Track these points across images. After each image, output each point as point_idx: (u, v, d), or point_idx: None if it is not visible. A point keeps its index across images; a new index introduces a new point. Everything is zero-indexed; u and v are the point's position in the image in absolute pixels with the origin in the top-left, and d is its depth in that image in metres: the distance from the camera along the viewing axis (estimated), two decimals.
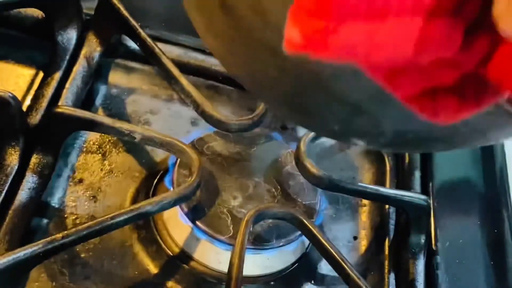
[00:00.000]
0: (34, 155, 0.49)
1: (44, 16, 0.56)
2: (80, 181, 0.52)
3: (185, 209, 0.48)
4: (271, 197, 0.51)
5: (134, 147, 0.55)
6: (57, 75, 0.54)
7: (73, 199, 0.51)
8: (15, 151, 0.48)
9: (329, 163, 0.60)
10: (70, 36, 0.57)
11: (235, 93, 0.62)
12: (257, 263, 0.50)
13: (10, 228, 0.45)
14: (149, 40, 0.55)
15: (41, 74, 0.56)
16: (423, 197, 0.52)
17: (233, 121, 0.52)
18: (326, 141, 0.61)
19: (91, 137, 0.55)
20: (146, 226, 0.51)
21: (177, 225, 0.50)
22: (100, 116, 0.51)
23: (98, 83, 0.58)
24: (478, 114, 0.26)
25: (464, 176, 0.61)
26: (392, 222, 0.57)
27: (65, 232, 0.42)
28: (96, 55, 0.57)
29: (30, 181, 0.48)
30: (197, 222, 0.48)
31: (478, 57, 0.25)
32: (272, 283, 0.51)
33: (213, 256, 0.49)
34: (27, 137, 0.49)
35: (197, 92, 0.52)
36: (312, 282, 0.52)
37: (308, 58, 0.23)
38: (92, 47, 0.57)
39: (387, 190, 0.55)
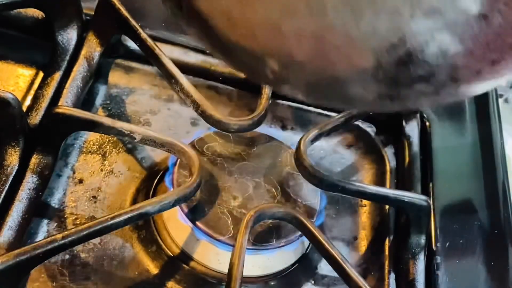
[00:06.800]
0: (34, 155, 0.49)
1: (44, 16, 0.56)
2: (80, 181, 0.52)
3: (185, 209, 0.48)
4: (271, 197, 0.51)
5: (134, 147, 0.55)
6: (57, 75, 0.54)
7: (73, 199, 0.51)
8: (15, 151, 0.48)
9: (329, 163, 0.60)
10: (70, 36, 0.57)
11: (235, 93, 0.62)
12: (257, 264, 0.50)
13: (10, 228, 0.45)
14: (149, 40, 0.55)
15: (41, 74, 0.56)
16: (423, 197, 0.52)
17: (233, 121, 0.52)
18: (326, 141, 0.61)
19: (91, 137, 0.55)
20: (146, 226, 0.51)
21: (177, 225, 0.50)
22: (100, 116, 0.51)
23: (98, 83, 0.58)
24: None
25: (464, 176, 0.61)
26: (392, 222, 0.57)
27: (65, 232, 0.42)
28: (96, 55, 0.57)
29: (30, 181, 0.48)
30: (197, 223, 0.48)
31: None
32: (272, 283, 0.51)
33: (213, 256, 0.49)
34: (27, 137, 0.49)
35: (197, 92, 0.52)
36: (312, 282, 0.52)
37: None
38: (92, 47, 0.57)
39: (387, 190, 0.55)
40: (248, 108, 0.61)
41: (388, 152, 0.62)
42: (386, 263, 0.54)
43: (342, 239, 0.55)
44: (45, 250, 0.42)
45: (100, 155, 0.54)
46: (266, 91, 0.55)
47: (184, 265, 0.50)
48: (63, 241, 0.42)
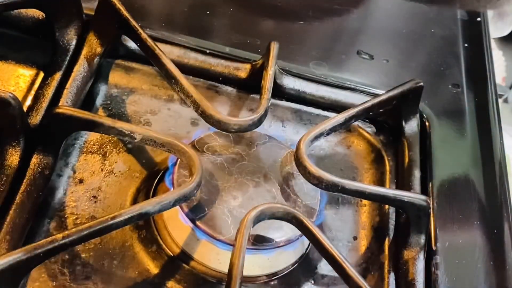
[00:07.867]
0: (35, 155, 0.49)
1: (44, 16, 0.57)
2: (81, 181, 0.52)
3: (185, 209, 0.48)
4: (271, 197, 0.51)
5: (134, 147, 0.55)
6: (58, 76, 0.54)
7: (74, 199, 0.51)
8: (15, 151, 0.48)
9: (329, 163, 0.60)
10: (70, 36, 0.57)
11: (235, 93, 0.62)
12: (257, 263, 0.50)
13: (11, 228, 0.45)
14: (149, 40, 0.55)
15: (41, 75, 0.56)
16: (422, 197, 0.52)
17: (233, 121, 0.52)
18: (326, 141, 0.61)
19: (92, 137, 0.55)
20: (146, 226, 0.51)
21: (177, 225, 0.50)
22: (101, 116, 0.51)
23: (98, 84, 0.58)
24: None
25: (463, 176, 0.61)
26: (392, 222, 0.57)
27: (66, 232, 0.42)
28: (97, 55, 0.57)
29: (30, 181, 0.48)
30: (197, 222, 0.48)
31: None
32: (272, 283, 0.51)
33: (213, 256, 0.49)
34: (27, 137, 0.49)
35: (197, 93, 0.53)
36: (312, 282, 0.52)
37: None
38: (93, 48, 0.57)
39: (387, 190, 0.55)
40: (248, 108, 0.61)
41: (388, 152, 0.62)
42: (386, 263, 0.54)
43: (342, 239, 0.55)
44: (46, 250, 0.42)
45: (100, 155, 0.54)
46: (266, 91, 0.55)
47: (184, 265, 0.50)
48: (63, 241, 0.42)
